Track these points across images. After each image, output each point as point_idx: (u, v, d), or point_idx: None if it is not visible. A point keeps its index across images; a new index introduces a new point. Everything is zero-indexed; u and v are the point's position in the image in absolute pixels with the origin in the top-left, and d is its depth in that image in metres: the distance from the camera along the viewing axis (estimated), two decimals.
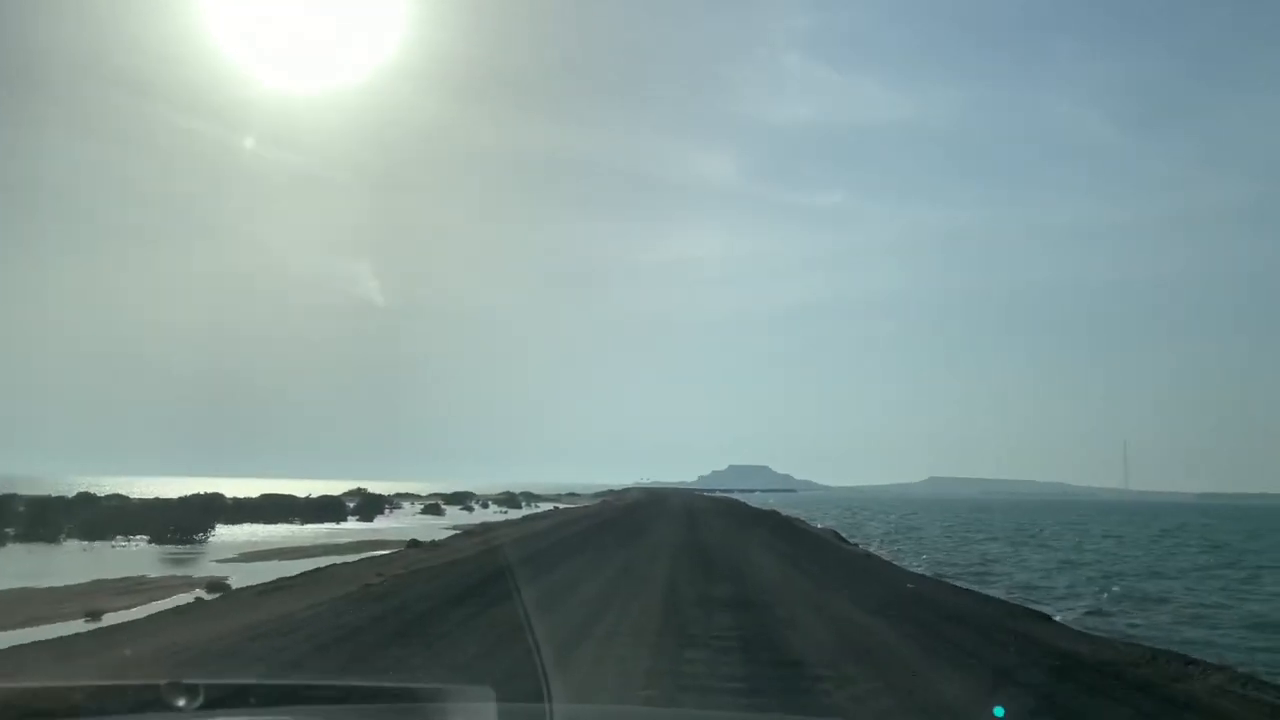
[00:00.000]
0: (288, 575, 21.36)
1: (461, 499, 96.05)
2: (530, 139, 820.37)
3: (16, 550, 35.28)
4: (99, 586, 22.63)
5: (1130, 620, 21.87)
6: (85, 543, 38.15)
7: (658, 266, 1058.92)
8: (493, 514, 76.35)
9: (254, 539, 41.65)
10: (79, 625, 15.80)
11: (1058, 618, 19.27)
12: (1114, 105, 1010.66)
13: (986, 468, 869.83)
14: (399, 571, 20.40)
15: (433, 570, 20.89)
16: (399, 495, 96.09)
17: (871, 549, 41.93)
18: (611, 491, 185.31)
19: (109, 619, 16.47)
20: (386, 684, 7.87)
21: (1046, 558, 43.33)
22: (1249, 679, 11.48)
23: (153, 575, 26.06)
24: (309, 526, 53.42)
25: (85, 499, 52.84)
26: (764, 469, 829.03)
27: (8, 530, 39.46)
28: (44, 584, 23.00)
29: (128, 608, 18.27)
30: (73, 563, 29.80)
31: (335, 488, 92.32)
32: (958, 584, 26.25)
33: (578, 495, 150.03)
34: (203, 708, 3.32)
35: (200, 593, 20.25)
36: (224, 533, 44.29)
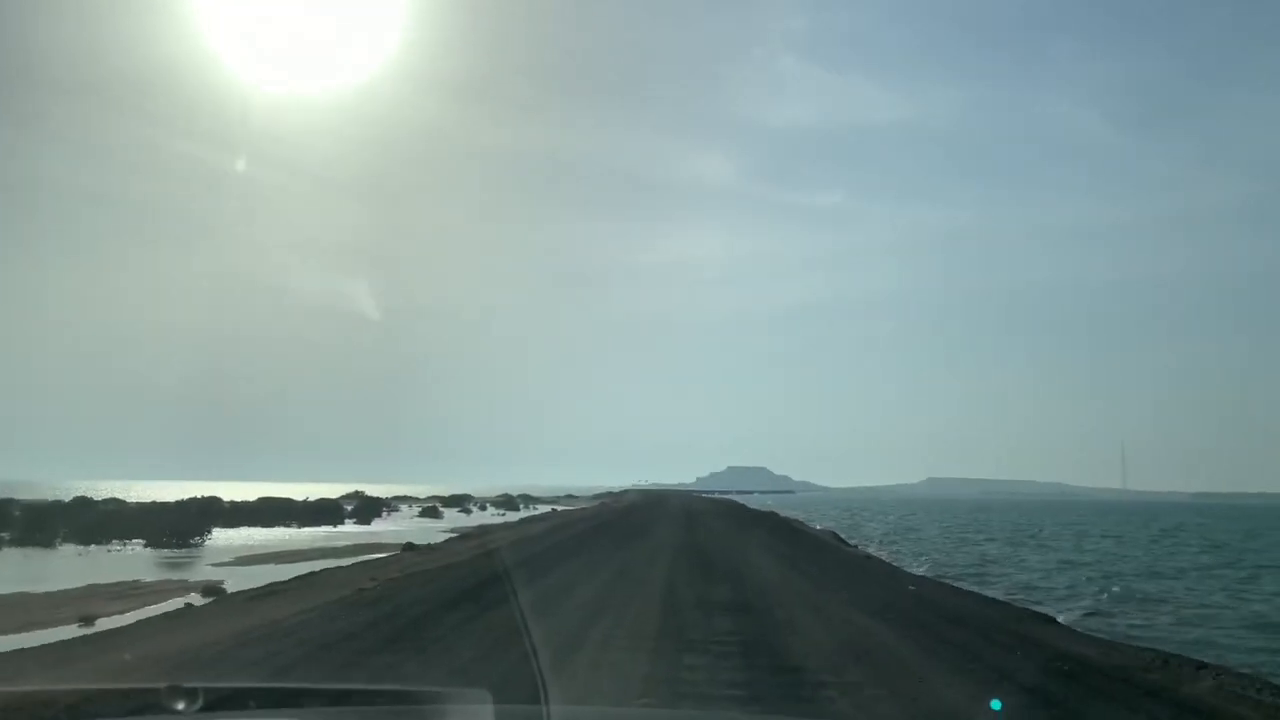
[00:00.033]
0: (282, 580, 21.21)
1: (459, 501, 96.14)
2: (530, 139, 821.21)
3: (12, 555, 35.21)
4: (93, 591, 22.53)
5: (1131, 621, 21.79)
6: (81, 547, 38.08)
7: (657, 267, 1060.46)
8: (490, 516, 76.29)
9: (251, 543, 41.51)
10: (72, 630, 15.70)
11: (1061, 619, 19.12)
12: (1113, 105, 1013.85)
13: (985, 468, 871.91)
14: (394, 575, 20.22)
15: (428, 574, 20.71)
16: (397, 498, 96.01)
17: (871, 550, 41.79)
18: (610, 493, 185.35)
19: (102, 624, 16.43)
20: (384, 687, 7.86)
21: (1046, 558, 43.27)
22: (1263, 684, 11.30)
23: (147, 580, 25.97)
24: (306, 530, 53.24)
25: (82, 503, 52.77)
26: (762, 470, 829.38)
27: (3, 535, 39.42)
28: (39, 589, 22.88)
29: (121, 613, 18.22)
30: (68, 567, 29.70)
31: (333, 490, 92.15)
32: (958, 585, 26.12)
33: (575, 497, 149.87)
34: (201, 710, 3.34)
35: (194, 597, 20.09)
36: (221, 536, 44.16)
